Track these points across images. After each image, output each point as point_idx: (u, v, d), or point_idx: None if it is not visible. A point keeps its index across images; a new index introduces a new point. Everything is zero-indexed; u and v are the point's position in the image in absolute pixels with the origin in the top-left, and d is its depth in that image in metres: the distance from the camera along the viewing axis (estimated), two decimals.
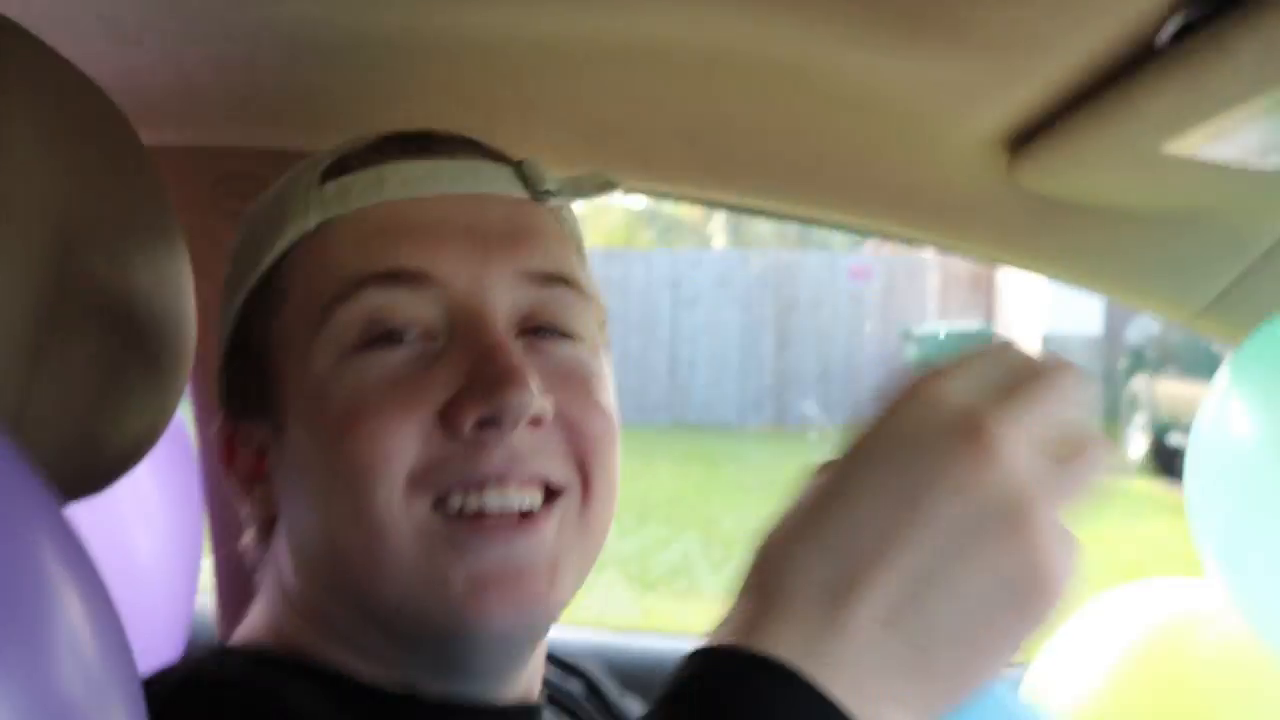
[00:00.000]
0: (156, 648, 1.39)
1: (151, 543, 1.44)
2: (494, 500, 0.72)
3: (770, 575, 0.52)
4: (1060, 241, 1.15)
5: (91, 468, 0.90)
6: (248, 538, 0.85)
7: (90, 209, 0.84)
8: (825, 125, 1.08)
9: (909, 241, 1.21)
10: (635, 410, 12.43)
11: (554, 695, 0.92)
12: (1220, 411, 1.11)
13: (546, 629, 0.77)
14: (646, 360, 12.63)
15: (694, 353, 12.68)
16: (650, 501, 8.30)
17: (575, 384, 0.76)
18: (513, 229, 0.78)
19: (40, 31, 0.75)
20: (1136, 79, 0.83)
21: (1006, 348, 0.54)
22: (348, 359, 0.73)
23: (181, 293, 0.91)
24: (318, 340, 0.75)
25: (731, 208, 1.25)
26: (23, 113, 0.81)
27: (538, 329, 0.77)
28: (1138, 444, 9.69)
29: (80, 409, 0.85)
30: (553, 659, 0.97)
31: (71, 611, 0.46)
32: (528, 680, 0.82)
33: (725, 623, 0.52)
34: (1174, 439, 8.78)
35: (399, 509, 0.71)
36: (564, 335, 0.77)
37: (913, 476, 0.50)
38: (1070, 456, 0.51)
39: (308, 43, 1.03)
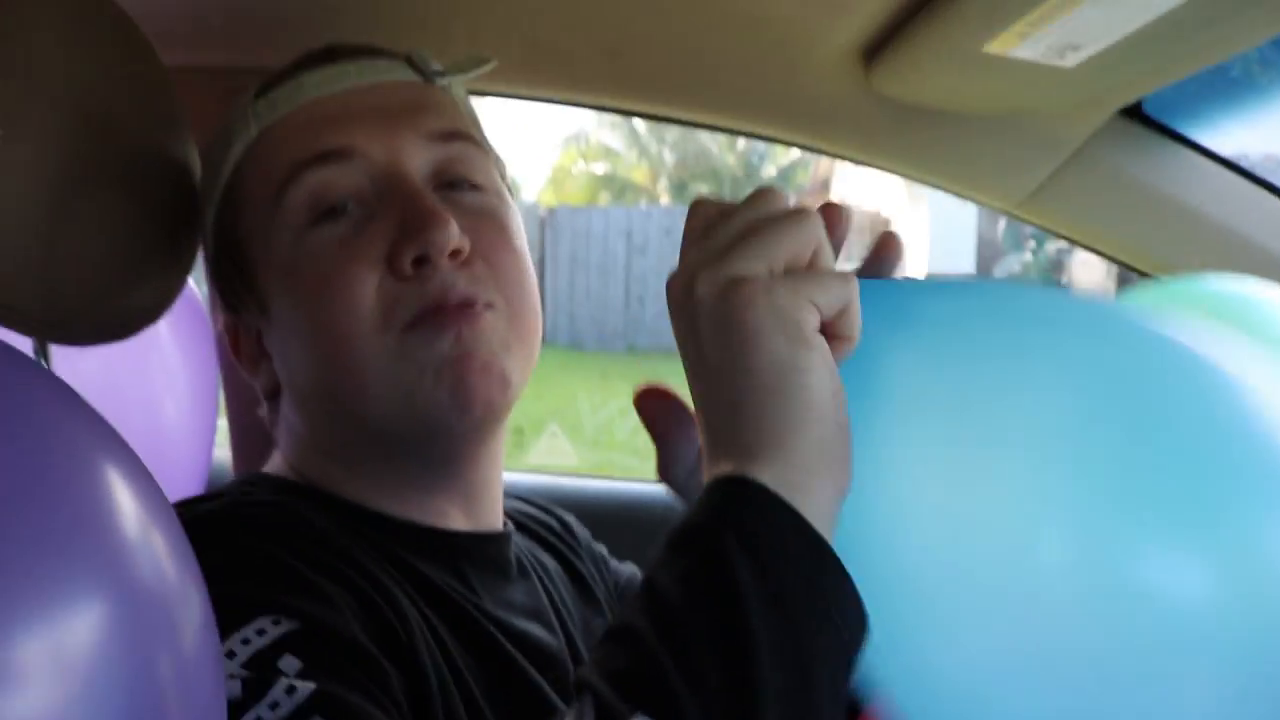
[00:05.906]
0: (178, 491, 1.39)
1: (175, 404, 1.44)
2: None
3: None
4: (908, 142, 1.15)
5: (113, 315, 0.90)
6: (263, 410, 0.84)
7: (107, 95, 0.84)
8: (717, 41, 1.07)
9: (785, 145, 1.20)
10: (596, 339, 12.40)
11: (522, 523, 0.92)
12: None
13: (504, 413, 0.76)
14: (605, 297, 12.54)
15: (644, 290, 12.58)
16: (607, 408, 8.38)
17: (488, 226, 0.76)
18: (412, 103, 0.79)
19: None
20: None
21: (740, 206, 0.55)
22: (303, 235, 0.74)
23: (190, 175, 0.91)
24: (275, 225, 0.76)
25: (644, 116, 1.25)
26: (49, 21, 0.80)
27: (450, 184, 0.77)
28: None
29: (100, 261, 0.84)
30: (531, 501, 0.98)
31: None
32: (494, 512, 0.83)
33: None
34: None
35: (373, 343, 0.72)
36: (473, 187, 0.78)
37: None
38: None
39: None
